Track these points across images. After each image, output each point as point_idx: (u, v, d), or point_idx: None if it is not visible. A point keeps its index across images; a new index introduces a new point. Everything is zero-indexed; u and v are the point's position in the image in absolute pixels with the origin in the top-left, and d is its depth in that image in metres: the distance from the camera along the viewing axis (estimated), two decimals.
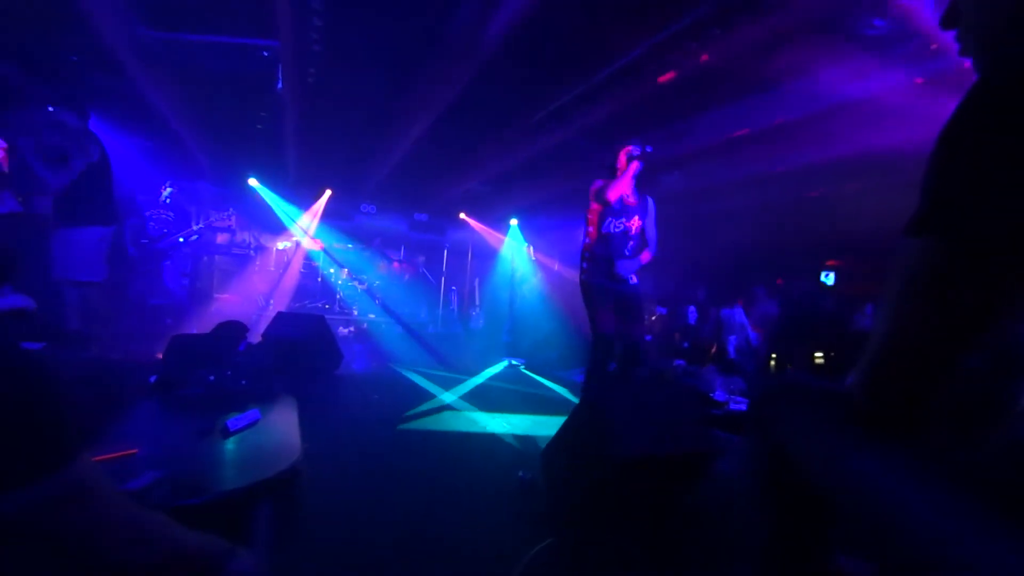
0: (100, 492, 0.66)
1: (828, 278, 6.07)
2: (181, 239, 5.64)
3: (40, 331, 2.51)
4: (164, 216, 5.56)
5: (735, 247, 6.18)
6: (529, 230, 9.08)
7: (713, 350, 4.60)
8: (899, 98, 3.50)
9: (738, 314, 4.60)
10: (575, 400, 4.17)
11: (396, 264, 8.13)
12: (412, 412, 3.50)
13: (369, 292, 7.84)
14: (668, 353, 4.95)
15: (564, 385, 4.76)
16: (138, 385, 2.70)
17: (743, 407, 3.70)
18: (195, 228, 5.86)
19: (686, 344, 4.67)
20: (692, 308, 6.30)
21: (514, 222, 8.96)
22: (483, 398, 4.00)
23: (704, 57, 3.39)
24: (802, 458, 0.62)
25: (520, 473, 2.31)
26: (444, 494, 2.21)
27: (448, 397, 3.95)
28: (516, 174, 6.57)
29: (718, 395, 3.77)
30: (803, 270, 6.05)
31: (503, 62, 3.61)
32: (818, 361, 4.81)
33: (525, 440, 3.04)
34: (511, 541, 1.83)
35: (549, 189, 7.10)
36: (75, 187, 3.32)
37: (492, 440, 3.03)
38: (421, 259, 9.05)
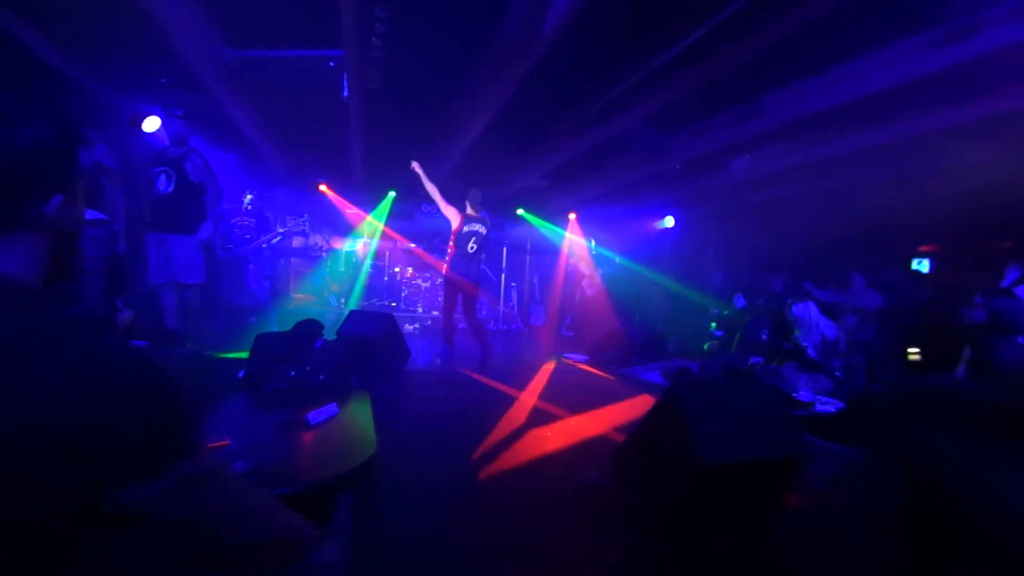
0: (220, 476, 0.69)
1: (922, 265, 5.45)
2: (263, 244, 6.07)
3: (143, 330, 2.76)
4: (246, 223, 6.00)
5: (811, 235, 5.69)
6: (589, 224, 8.92)
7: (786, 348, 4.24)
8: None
9: (811, 311, 4.18)
10: (639, 397, 4.03)
11: (443, 264, 8.25)
12: (478, 408, 3.53)
13: (431, 289, 8.04)
14: (746, 349, 4.64)
15: (628, 382, 4.62)
16: (228, 380, 2.91)
17: (831, 409, 3.39)
18: (275, 232, 6.29)
19: (764, 337, 4.33)
20: (740, 297, 5.88)
21: (573, 216, 8.83)
22: (547, 395, 3.96)
23: (771, 31, 3.11)
24: (963, 485, 0.52)
25: (593, 474, 2.25)
26: (512, 492, 2.20)
27: (512, 393, 3.95)
28: (574, 167, 6.45)
29: (802, 395, 3.49)
30: (890, 258, 5.46)
31: (560, 52, 3.53)
32: (913, 358, 4.34)
33: (593, 439, 2.97)
34: (583, 544, 1.78)
35: (609, 181, 6.91)
36: (174, 198, 3.65)
37: (559, 438, 2.99)
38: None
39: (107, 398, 0.59)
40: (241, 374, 2.95)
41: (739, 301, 5.82)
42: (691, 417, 1.71)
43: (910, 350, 4.38)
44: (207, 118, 4.90)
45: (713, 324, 6.02)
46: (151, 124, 4.16)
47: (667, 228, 8.48)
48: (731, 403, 1.82)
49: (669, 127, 5.18)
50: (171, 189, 3.63)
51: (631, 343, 5.59)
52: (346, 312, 4.46)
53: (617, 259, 8.87)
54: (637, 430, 2.07)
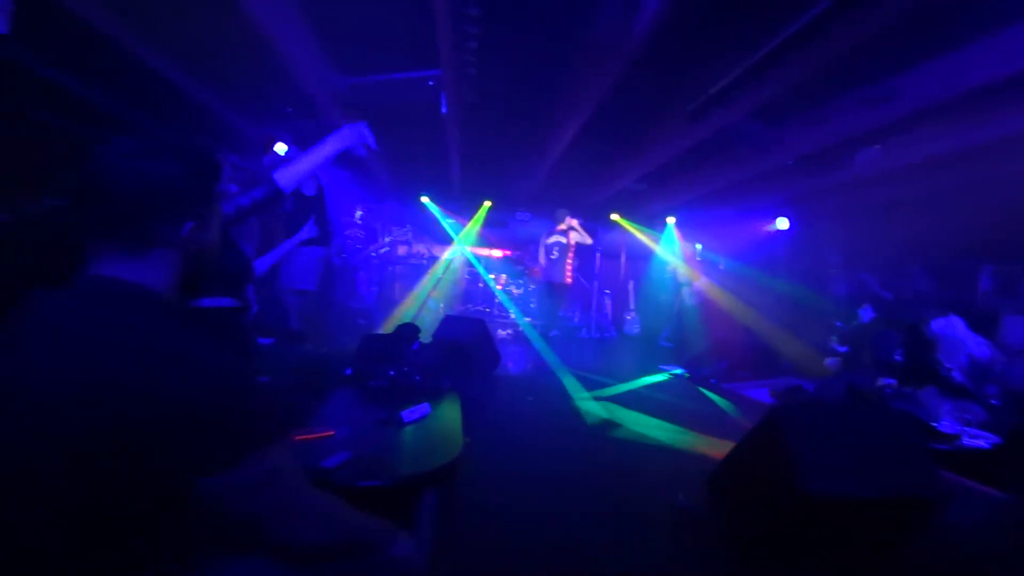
0: (290, 475, 0.76)
1: None
2: (372, 253, 6.64)
3: (270, 329, 3.15)
4: (357, 234, 6.59)
5: (952, 237, 4.80)
6: (690, 227, 8.43)
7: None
8: None
9: (957, 326, 3.49)
10: (742, 417, 3.69)
11: (537, 270, 8.30)
12: (565, 417, 3.49)
13: (523, 296, 8.15)
14: (874, 368, 4.03)
15: (731, 400, 4.26)
16: (337, 376, 3.20)
17: (983, 444, 2.81)
18: (382, 243, 6.86)
19: (899, 357, 3.71)
20: (868, 308, 5.08)
21: (672, 220, 8.41)
22: (638, 408, 3.80)
23: None
24: None
25: (680, 496, 2.10)
26: (596, 505, 2.14)
27: (601, 404, 3.85)
28: (673, 168, 6.13)
29: (945, 425, 2.95)
30: None
31: (655, 47, 3.38)
32: None
33: (684, 459, 2.79)
34: (670, 571, 1.67)
35: (712, 182, 6.47)
36: (299, 215, 4.13)
37: (647, 455, 2.85)
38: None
39: (197, 394, 0.67)
40: (348, 371, 3.22)
41: (866, 313, 5.08)
42: (794, 442, 1.52)
43: None
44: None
45: (835, 338, 5.33)
46: (280, 149, 4.78)
47: (780, 230, 7.72)
48: (849, 430, 1.59)
49: (779, 119, 4.71)
50: (291, 207, 4.12)
51: (737, 357, 5.17)
52: (442, 317, 4.69)
53: (722, 265, 8.26)
54: (734, 453, 1.90)
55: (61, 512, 0.62)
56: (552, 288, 6.63)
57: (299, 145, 4.57)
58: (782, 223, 7.65)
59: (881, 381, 3.63)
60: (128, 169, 0.76)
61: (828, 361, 5.18)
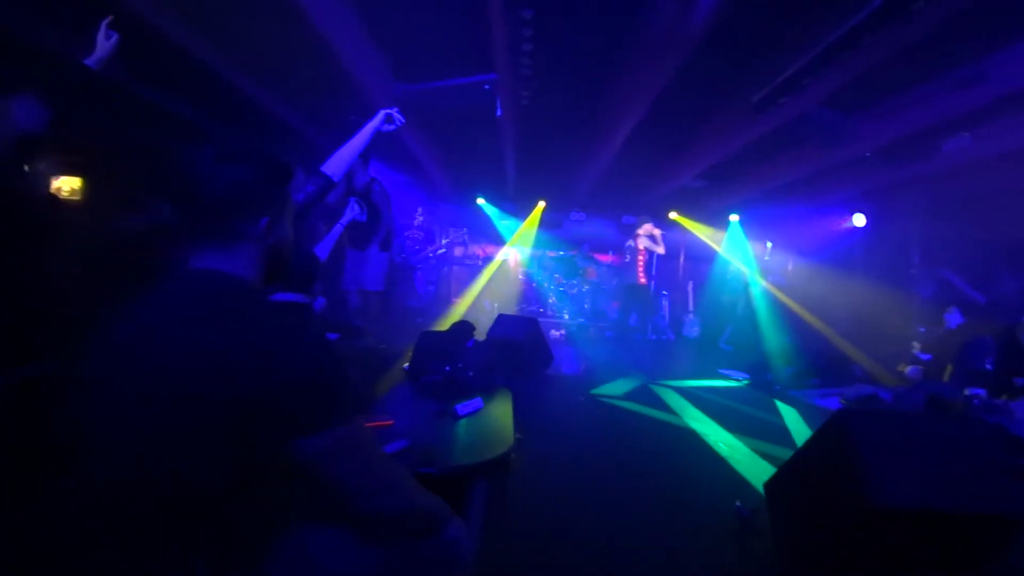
0: (370, 445, 0.84)
1: None
2: (430, 254, 6.89)
3: (335, 325, 3.35)
4: (417, 235, 6.86)
5: None
6: (754, 225, 8.03)
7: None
8: None
9: None
10: (807, 426, 3.49)
11: (592, 271, 8.21)
12: (617, 421, 3.46)
13: (577, 297, 8.10)
14: (962, 378, 3.66)
15: (794, 406, 4.03)
16: (396, 369, 3.36)
17: None
18: (440, 244, 7.10)
19: (989, 366, 3.34)
20: (955, 312, 4.58)
21: (734, 218, 8.05)
22: (695, 411, 3.69)
23: None
24: None
25: (736, 503, 2.04)
26: (647, 508, 2.11)
27: (657, 407, 3.78)
28: (736, 163, 5.88)
29: None
30: None
31: (713, 38, 3.27)
32: None
33: (743, 465, 2.68)
34: None
35: (780, 176, 6.14)
36: (364, 221, 4.37)
37: (703, 459, 2.77)
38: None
39: (291, 367, 0.77)
40: (407, 366, 3.37)
41: (953, 318, 4.61)
42: (863, 449, 1.44)
43: None
44: (387, 149, 5.75)
45: (916, 344, 4.88)
46: None
47: (856, 227, 7.17)
48: (926, 440, 1.48)
49: (855, 106, 4.39)
50: (359, 212, 4.36)
51: (805, 362, 4.87)
52: (496, 316, 4.77)
53: (791, 265, 7.80)
54: (796, 458, 1.81)
55: (191, 469, 0.75)
56: (629, 289, 6.95)
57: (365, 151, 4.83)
58: (858, 219, 7.12)
59: (969, 391, 3.29)
60: (214, 174, 0.89)
61: (909, 370, 4.76)
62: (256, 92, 4.43)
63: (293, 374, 0.77)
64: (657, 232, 6.84)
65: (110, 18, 1.88)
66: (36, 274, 1.45)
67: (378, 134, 2.05)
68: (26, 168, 1.53)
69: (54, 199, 1.97)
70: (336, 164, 1.77)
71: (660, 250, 6.83)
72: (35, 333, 1.36)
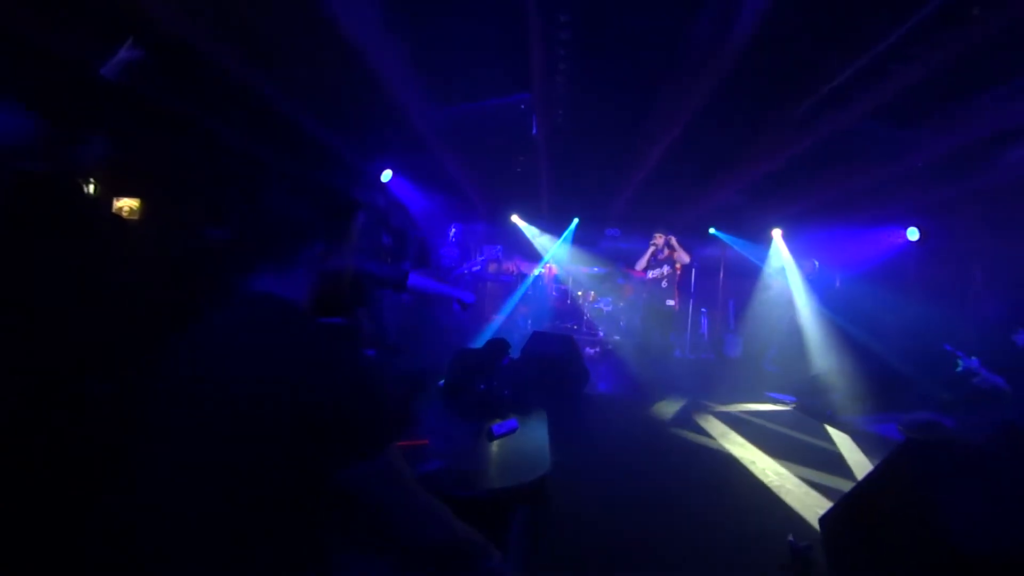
0: (404, 477, 0.83)
1: None
2: (465, 271, 6.93)
3: (371, 342, 3.40)
4: (452, 252, 6.93)
5: None
6: (798, 240, 7.72)
7: None
8: None
9: None
10: (863, 455, 3.26)
11: (630, 289, 8.06)
12: (657, 443, 3.33)
13: (614, 314, 7.97)
14: None
15: (848, 433, 3.79)
16: (431, 387, 3.36)
17: None
18: (475, 261, 7.14)
19: None
20: (1022, 332, 4.19)
21: (777, 233, 7.77)
22: (740, 437, 3.52)
23: None
24: None
25: (789, 538, 1.91)
26: (688, 538, 2.01)
27: (699, 432, 3.63)
28: (778, 178, 5.70)
29: None
30: None
31: (754, 50, 3.19)
32: None
33: (793, 496, 2.52)
34: None
35: (824, 190, 5.90)
36: (392, 246, 4.46)
37: (749, 488, 2.62)
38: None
39: (340, 391, 0.78)
40: (441, 383, 3.37)
41: (1022, 338, 4.24)
42: (941, 487, 1.32)
43: None
44: (424, 169, 5.91)
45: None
46: (386, 176, 5.23)
47: (909, 242, 6.78)
48: (1006, 475, 1.35)
49: (907, 118, 4.19)
50: (387, 239, 4.47)
51: (858, 386, 4.59)
52: (530, 333, 4.74)
53: (838, 282, 7.43)
54: (858, 493, 1.69)
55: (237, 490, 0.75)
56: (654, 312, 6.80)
57: (403, 172, 4.94)
58: (912, 234, 6.73)
59: None
60: (280, 204, 0.93)
61: (971, 394, 4.39)
62: (313, 126, 4.64)
63: (340, 404, 0.78)
64: (672, 239, 6.60)
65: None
66: (111, 289, 1.53)
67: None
68: (88, 189, 1.63)
69: (118, 218, 2.10)
70: (417, 283, 2.22)
71: (685, 258, 6.64)
72: (116, 344, 1.44)
